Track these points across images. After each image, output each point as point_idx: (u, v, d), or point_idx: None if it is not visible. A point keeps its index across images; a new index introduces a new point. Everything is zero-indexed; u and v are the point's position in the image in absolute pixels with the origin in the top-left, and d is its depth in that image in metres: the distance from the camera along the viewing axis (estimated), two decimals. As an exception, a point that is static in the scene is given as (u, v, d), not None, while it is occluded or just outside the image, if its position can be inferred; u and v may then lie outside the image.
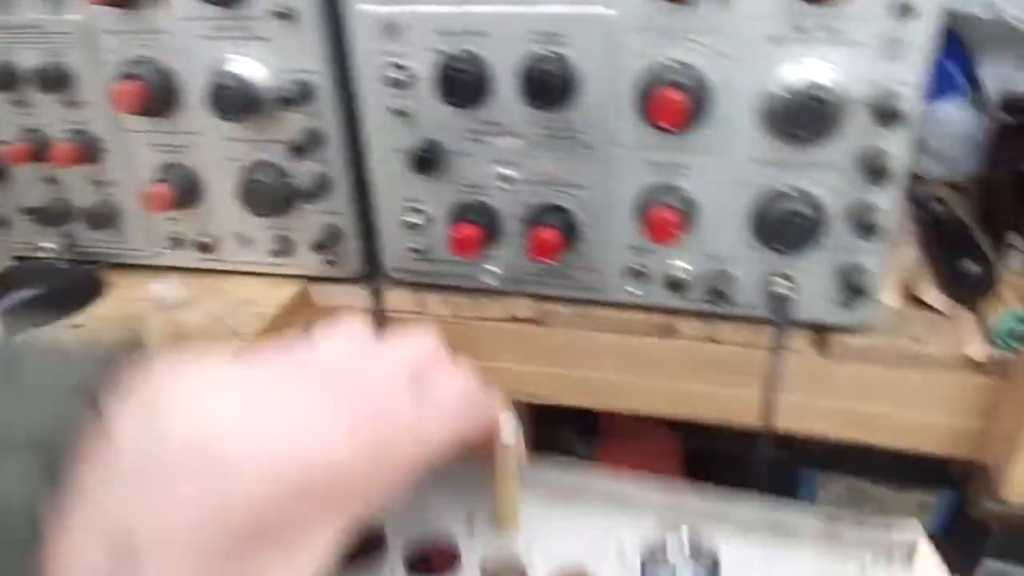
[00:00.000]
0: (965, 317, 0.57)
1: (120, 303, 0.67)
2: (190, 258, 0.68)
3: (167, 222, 0.66)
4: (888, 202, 0.51)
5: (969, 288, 0.57)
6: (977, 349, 0.54)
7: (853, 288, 0.53)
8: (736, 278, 0.56)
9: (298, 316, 0.67)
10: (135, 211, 0.66)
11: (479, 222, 0.57)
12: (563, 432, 0.87)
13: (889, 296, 0.56)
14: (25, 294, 0.64)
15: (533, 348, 0.64)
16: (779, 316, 0.53)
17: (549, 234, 0.55)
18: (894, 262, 0.60)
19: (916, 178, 0.75)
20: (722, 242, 0.55)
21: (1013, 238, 0.61)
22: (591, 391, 0.64)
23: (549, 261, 0.56)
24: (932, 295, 0.58)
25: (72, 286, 0.67)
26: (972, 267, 0.56)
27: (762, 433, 0.51)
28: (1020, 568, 1.03)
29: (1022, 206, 0.60)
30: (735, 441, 1.03)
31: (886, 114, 0.47)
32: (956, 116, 0.71)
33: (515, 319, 0.63)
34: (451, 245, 0.57)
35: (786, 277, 0.55)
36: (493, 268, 0.59)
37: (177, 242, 0.67)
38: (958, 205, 0.69)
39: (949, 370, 0.55)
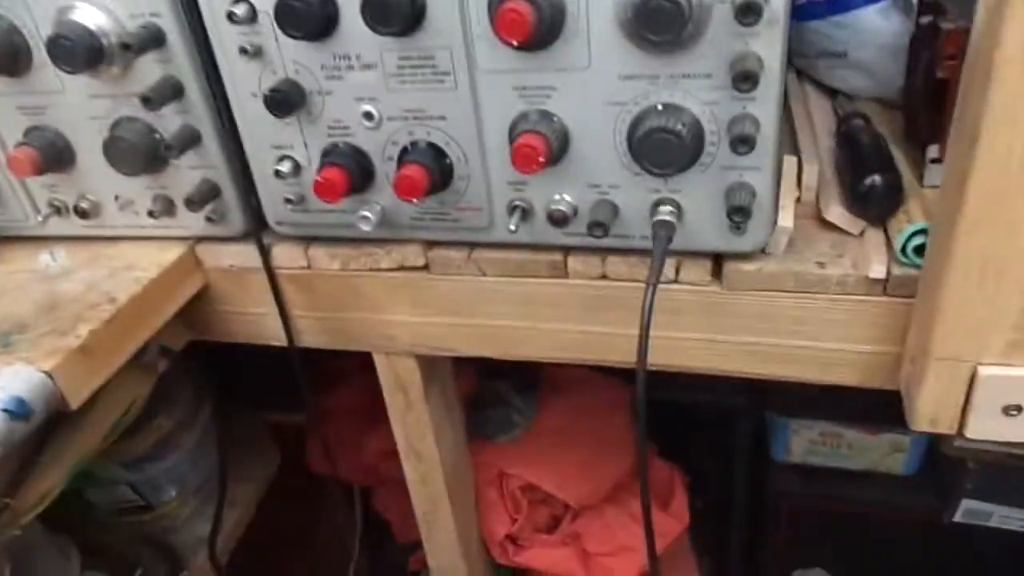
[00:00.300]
0: (874, 237, 0.53)
1: (4, 276, 0.64)
2: (74, 226, 0.65)
3: (43, 189, 0.64)
4: (767, 113, 0.47)
5: (875, 205, 0.53)
6: (878, 268, 0.50)
7: (741, 210, 0.49)
8: (619, 208, 0.52)
9: (187, 278, 0.64)
10: (7, 179, 0.63)
11: (345, 165, 0.54)
12: (498, 386, 0.84)
13: (787, 216, 0.52)
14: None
15: (426, 298, 0.61)
16: (661, 245, 0.49)
17: (412, 171, 0.52)
18: (795, 181, 0.55)
19: (844, 96, 0.70)
20: (601, 169, 0.51)
21: (932, 151, 0.56)
22: (490, 339, 0.61)
23: (416, 201, 0.53)
24: (836, 213, 0.54)
25: (-46, 261, 0.64)
26: (877, 181, 0.52)
27: (640, 374, 0.48)
28: (999, 507, 0.99)
29: (940, 116, 0.55)
30: (687, 389, 1.00)
31: (747, 10, 0.42)
32: (881, 25, 0.66)
33: (404, 268, 0.60)
34: (316, 191, 0.54)
35: (670, 203, 0.51)
36: (367, 214, 0.56)
37: (57, 209, 0.64)
38: (883, 122, 0.64)
39: (854, 293, 0.51)
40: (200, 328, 0.68)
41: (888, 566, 1.07)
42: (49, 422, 0.55)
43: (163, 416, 0.79)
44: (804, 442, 1.08)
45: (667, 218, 0.50)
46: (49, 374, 0.52)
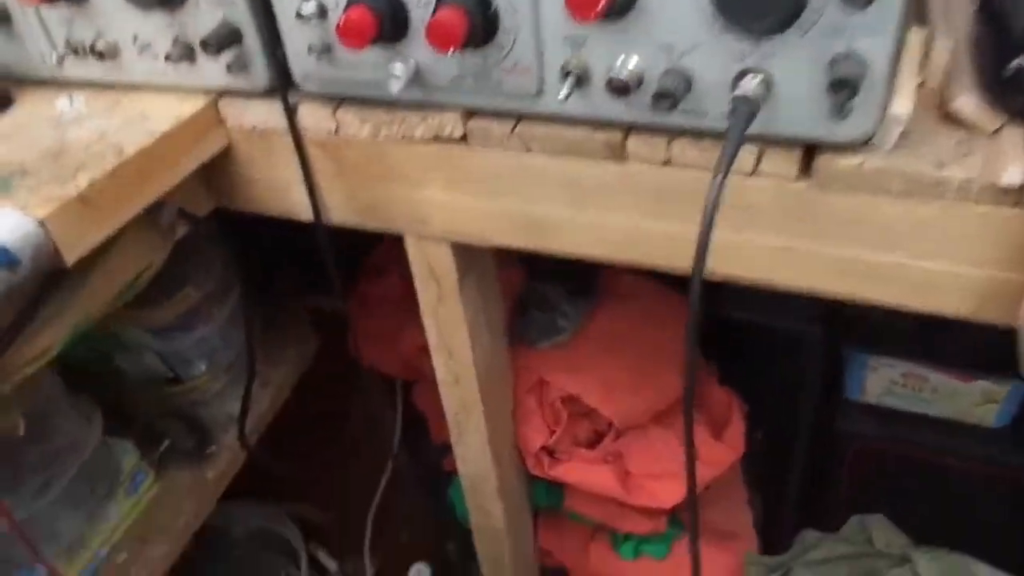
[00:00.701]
0: (1013, 135, 0.42)
1: (19, 119, 0.60)
2: (92, 69, 0.60)
3: (60, 26, 0.58)
4: (897, -45, 0.36)
5: (1021, 93, 0.42)
6: (1015, 173, 0.39)
7: (845, 84, 0.39)
8: (695, 76, 0.43)
9: (207, 135, 0.58)
10: (24, 14, 0.58)
11: (374, 6, 0.46)
12: (546, 287, 0.77)
13: (903, 103, 0.42)
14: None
15: (463, 175, 0.53)
16: (739, 125, 0.40)
17: (448, 16, 0.43)
18: (919, 57, 0.45)
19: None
20: (676, 26, 0.42)
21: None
22: (532, 229, 0.54)
23: (451, 52, 0.44)
24: (967, 103, 0.43)
25: (-31, 100, 0.60)
26: (1028, 63, 0.41)
27: (695, 281, 0.39)
28: (1102, 474, 0.88)
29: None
30: (757, 309, 0.91)
31: None
32: None
33: (440, 139, 0.52)
34: (339, 33, 0.46)
35: (758, 73, 0.41)
36: (397, 69, 0.48)
37: (74, 49, 0.59)
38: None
39: (977, 203, 0.41)
40: (223, 195, 0.63)
41: (961, 523, 0.98)
42: (51, 278, 0.52)
43: (191, 286, 0.75)
44: (883, 381, 0.98)
45: (752, 92, 0.41)
46: (42, 223, 0.47)
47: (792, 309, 0.93)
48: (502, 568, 0.87)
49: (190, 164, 0.57)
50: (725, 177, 0.39)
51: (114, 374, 0.80)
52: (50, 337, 0.53)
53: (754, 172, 0.45)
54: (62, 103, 0.60)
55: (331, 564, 1.23)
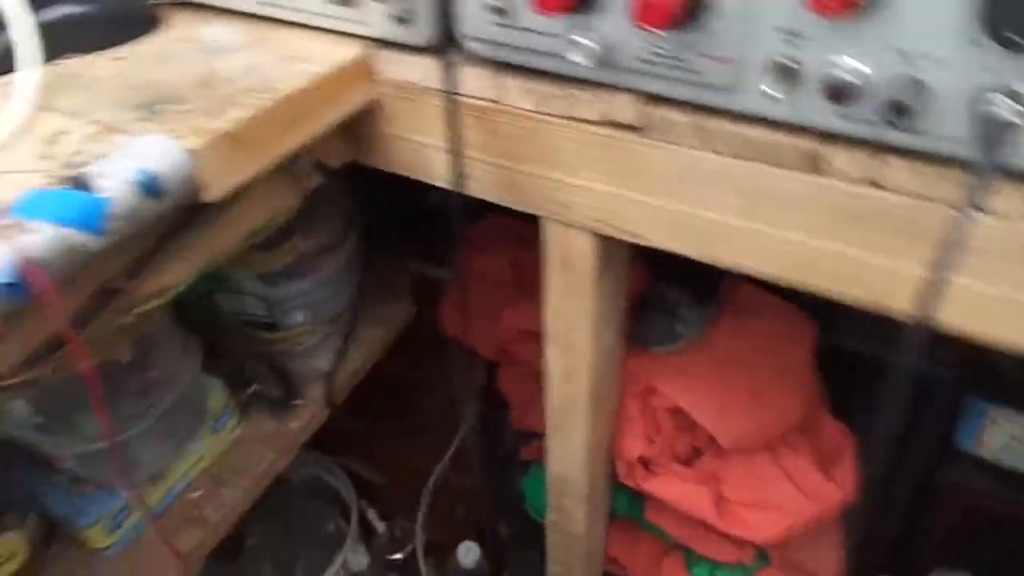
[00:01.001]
0: None
1: (167, 41, 0.58)
2: (251, 1, 0.57)
3: (222, -51, 0.56)
4: None
5: None
6: None
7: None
8: (931, 89, 0.38)
9: (358, 86, 0.55)
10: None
11: (574, -31, 0.42)
12: (668, 290, 0.73)
13: None
14: (70, 10, 0.55)
15: (628, 166, 0.49)
16: (987, 153, 0.35)
17: (663, -11, 0.39)
18: None
19: None
20: (921, 29, 0.37)
21: None
22: (698, 236, 0.49)
23: (659, 30, 0.40)
24: None
25: (121, 14, 0.58)
26: None
27: (918, 329, 0.35)
28: None
29: None
30: (882, 342, 0.85)
31: None
32: None
33: (611, 123, 0.48)
34: (531, -3, 0.42)
35: (1012, 94, 0.36)
36: (582, 40, 0.44)
37: (232, -24, 0.56)
38: None
39: None
40: (361, 149, 0.60)
41: (1063, 602, 0.91)
42: (187, 214, 0.49)
43: (300, 236, 0.73)
44: (1003, 435, 0.91)
45: (1004, 114, 0.35)
46: (191, 154, 0.45)
47: (913, 345, 0.86)
48: (571, 571, 0.84)
49: (339, 112, 0.54)
50: (971, 213, 0.34)
51: (211, 311, 0.79)
52: (177, 275, 0.51)
53: (980, 207, 0.40)
54: (211, 30, 0.58)
55: (380, 525, 1.22)
